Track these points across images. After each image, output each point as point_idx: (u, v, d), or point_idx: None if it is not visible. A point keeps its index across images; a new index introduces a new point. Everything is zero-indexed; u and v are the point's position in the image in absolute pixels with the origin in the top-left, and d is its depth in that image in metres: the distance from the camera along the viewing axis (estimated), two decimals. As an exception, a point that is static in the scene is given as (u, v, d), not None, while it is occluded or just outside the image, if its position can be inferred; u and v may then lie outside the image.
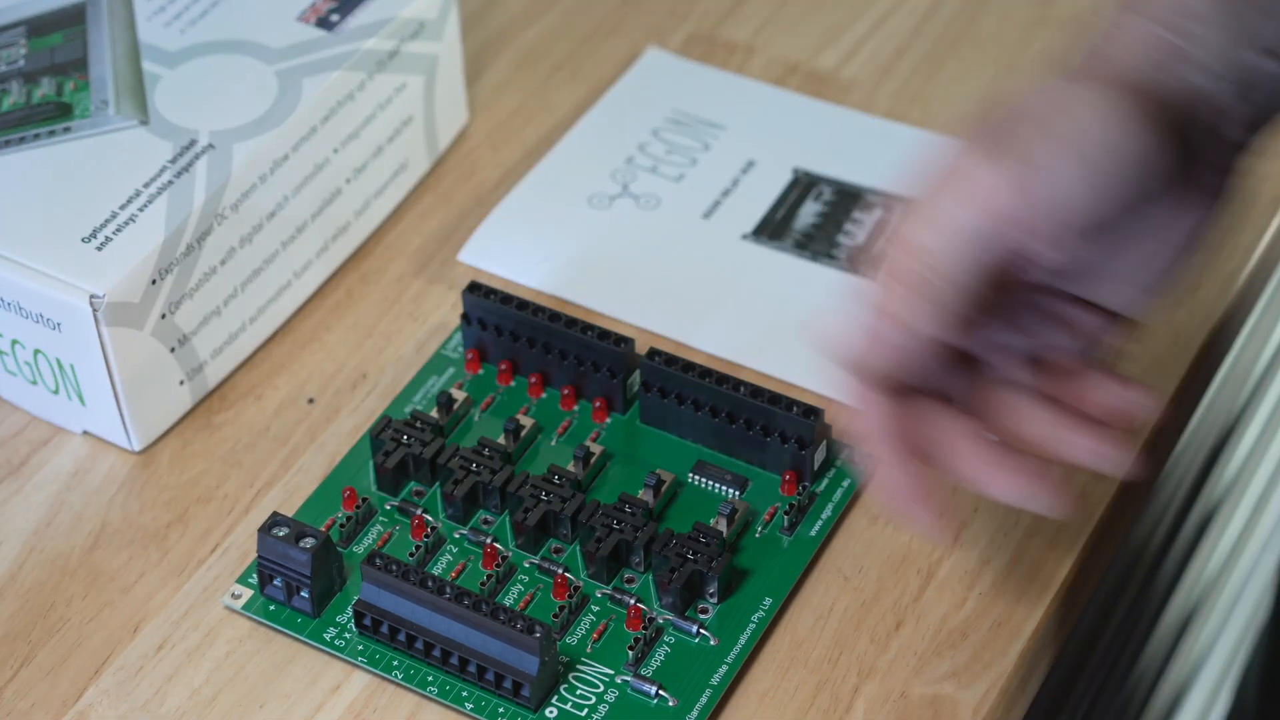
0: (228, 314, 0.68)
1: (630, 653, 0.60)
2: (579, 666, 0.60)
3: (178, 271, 0.66)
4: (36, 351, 0.66)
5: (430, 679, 0.59)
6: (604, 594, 0.62)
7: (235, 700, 0.60)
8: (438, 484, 0.65)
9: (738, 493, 0.64)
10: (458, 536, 0.63)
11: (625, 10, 0.84)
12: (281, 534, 0.61)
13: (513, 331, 0.67)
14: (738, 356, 0.69)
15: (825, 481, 0.65)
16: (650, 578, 0.62)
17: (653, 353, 0.66)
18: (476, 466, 0.64)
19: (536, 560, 0.62)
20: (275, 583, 0.61)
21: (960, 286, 0.52)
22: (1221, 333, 0.71)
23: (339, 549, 0.62)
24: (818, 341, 0.54)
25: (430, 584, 0.59)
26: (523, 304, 0.67)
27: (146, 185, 0.66)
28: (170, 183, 0.66)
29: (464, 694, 0.59)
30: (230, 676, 0.61)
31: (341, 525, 0.63)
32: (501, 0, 0.84)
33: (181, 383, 0.68)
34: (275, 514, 0.61)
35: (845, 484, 0.65)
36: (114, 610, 0.63)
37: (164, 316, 0.66)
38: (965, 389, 0.56)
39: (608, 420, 0.67)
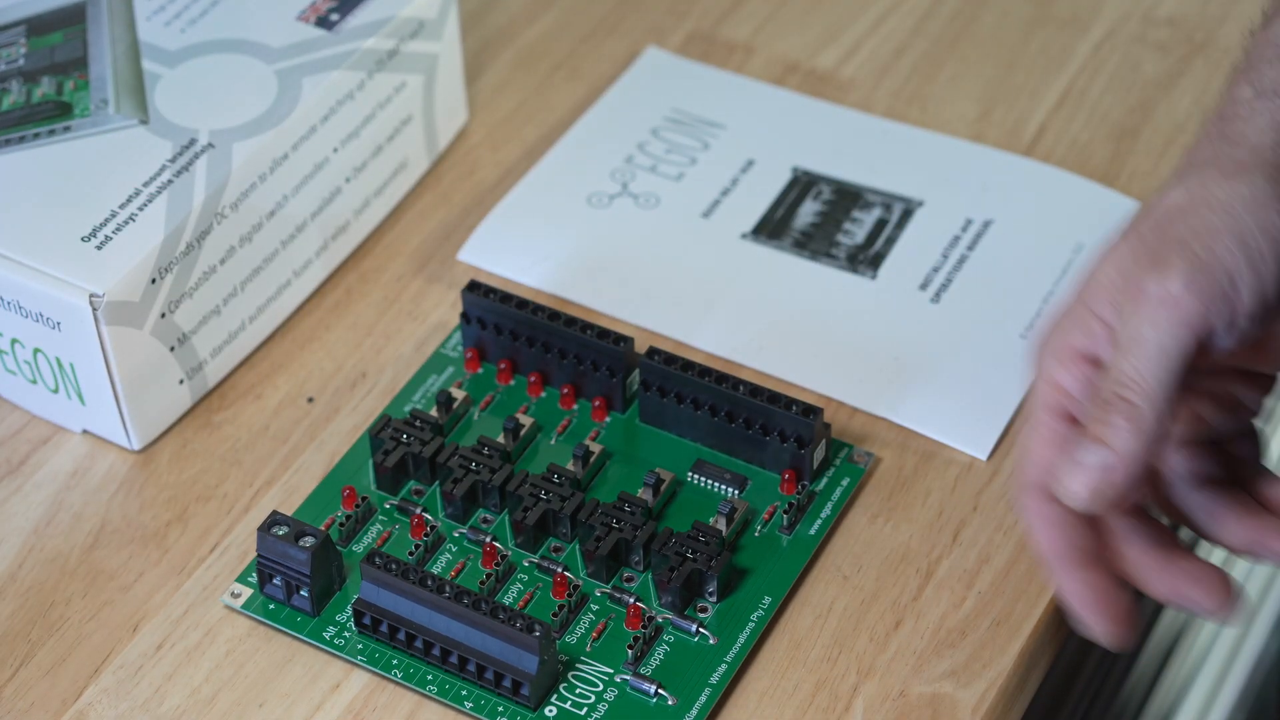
0: (227, 313, 0.68)
1: (630, 651, 0.60)
2: (578, 665, 0.60)
3: (177, 270, 0.66)
4: (36, 350, 0.66)
5: (430, 678, 0.59)
6: (603, 593, 0.62)
7: (235, 699, 0.60)
8: (437, 483, 0.65)
9: (737, 492, 0.64)
10: (457, 535, 0.63)
11: (624, 9, 0.84)
12: (281, 533, 0.61)
13: (512, 330, 0.67)
14: (737, 355, 0.69)
15: (824, 480, 0.65)
16: (649, 577, 0.62)
17: (652, 352, 0.66)
18: (476, 465, 0.64)
19: (536, 559, 0.62)
20: (275, 581, 0.61)
21: (1170, 406, 0.53)
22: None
23: (338, 548, 0.62)
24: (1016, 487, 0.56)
25: (430, 583, 0.59)
26: (522, 303, 0.67)
27: (146, 184, 0.66)
28: (170, 182, 0.66)
29: (463, 693, 0.59)
30: (230, 675, 0.61)
31: (341, 524, 0.63)
32: (501, 0, 0.84)
33: (181, 382, 0.68)
34: (275, 513, 0.61)
35: (844, 483, 0.65)
36: (113, 609, 0.63)
37: (164, 315, 0.66)
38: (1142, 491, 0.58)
39: (607, 419, 0.67)
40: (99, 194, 0.66)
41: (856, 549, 0.63)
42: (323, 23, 0.72)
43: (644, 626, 0.60)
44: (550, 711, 0.59)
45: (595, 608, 0.61)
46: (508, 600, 0.61)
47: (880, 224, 0.74)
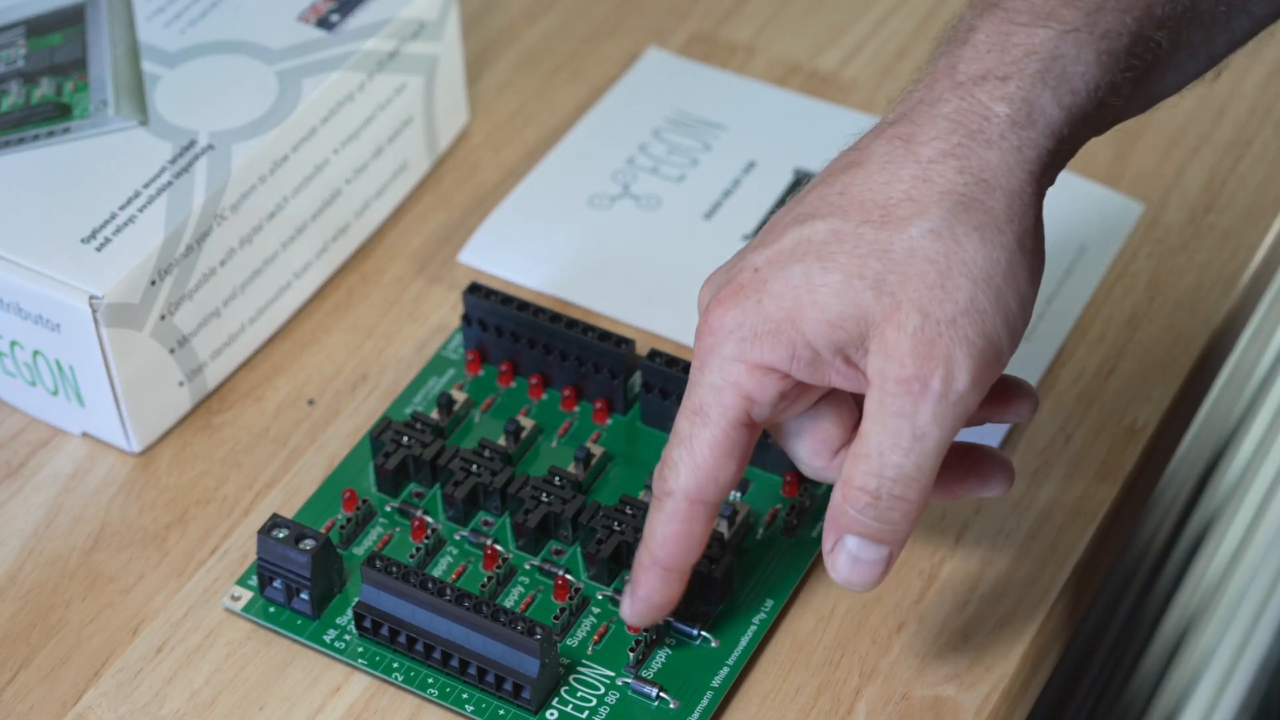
0: (227, 315, 0.68)
1: (631, 654, 0.60)
2: (580, 668, 0.60)
3: (177, 272, 0.65)
4: (36, 353, 0.66)
5: (430, 681, 0.59)
6: (605, 595, 0.62)
7: (235, 702, 0.60)
8: (438, 485, 0.64)
9: (739, 494, 0.64)
10: (458, 538, 0.63)
11: (626, 10, 0.84)
12: (281, 535, 0.60)
13: (513, 332, 0.67)
14: (739, 358, 0.69)
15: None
16: (651, 579, 0.62)
17: (653, 354, 0.65)
18: (477, 468, 0.63)
19: (537, 562, 0.62)
20: (275, 584, 0.61)
21: (932, 480, 0.53)
22: (1223, 336, 0.71)
23: (339, 551, 0.62)
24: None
25: (430, 586, 0.59)
26: (523, 305, 0.67)
27: (146, 186, 0.66)
28: (170, 183, 0.66)
29: (464, 696, 0.59)
30: (230, 678, 0.60)
31: (341, 527, 0.63)
32: (502, 0, 0.84)
33: (181, 384, 0.67)
34: (275, 516, 0.61)
35: (847, 485, 0.64)
36: (113, 612, 0.62)
37: (163, 317, 0.65)
38: None
39: (608, 421, 0.67)
40: (98, 195, 0.66)
41: (859, 552, 0.63)
42: (323, 24, 0.72)
43: (646, 629, 0.60)
44: (551, 715, 0.58)
45: (597, 610, 0.61)
46: (509, 603, 0.61)
47: (882, 225, 0.73)
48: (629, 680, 0.59)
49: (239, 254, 0.68)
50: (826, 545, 0.55)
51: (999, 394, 0.57)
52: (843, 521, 0.54)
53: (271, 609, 0.62)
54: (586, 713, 0.59)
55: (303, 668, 0.61)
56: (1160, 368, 0.68)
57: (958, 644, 0.61)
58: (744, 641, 0.60)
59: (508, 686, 0.58)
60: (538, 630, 0.57)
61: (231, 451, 0.67)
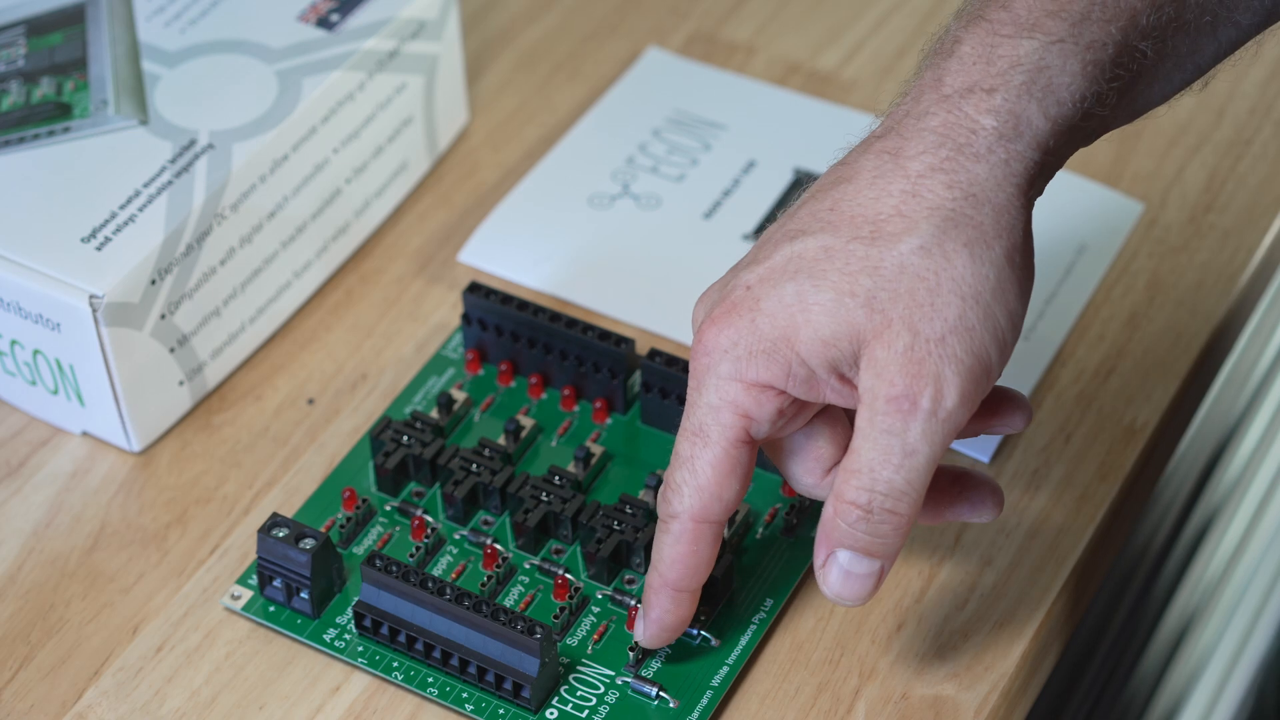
0: (227, 314, 0.68)
1: (631, 654, 0.60)
2: (579, 668, 0.60)
3: (177, 272, 0.65)
4: (36, 352, 0.66)
5: (430, 680, 0.59)
6: (605, 595, 0.62)
7: (235, 701, 0.60)
8: (438, 485, 0.64)
9: (739, 494, 0.64)
10: (458, 537, 0.63)
11: (626, 10, 0.84)
12: (281, 535, 0.60)
13: (513, 332, 0.67)
14: (739, 357, 0.69)
15: (826, 482, 0.65)
16: (651, 579, 0.62)
17: (653, 353, 0.65)
18: (477, 467, 0.63)
19: (537, 561, 0.62)
20: (275, 584, 0.61)
21: (923, 495, 0.54)
22: (1223, 334, 0.71)
23: (339, 550, 0.62)
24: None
25: (430, 585, 0.59)
26: (523, 304, 0.67)
27: (146, 185, 0.66)
28: (170, 183, 0.66)
29: (464, 695, 0.59)
30: (230, 678, 0.60)
31: (341, 526, 0.63)
32: (502, 0, 0.84)
33: (181, 383, 0.67)
34: (275, 515, 0.61)
35: (846, 485, 0.64)
36: (113, 611, 0.62)
37: (163, 317, 0.65)
38: None
39: (608, 421, 0.67)
40: (99, 195, 0.66)
41: (858, 551, 0.63)
42: (323, 23, 0.72)
43: (645, 629, 0.60)
44: (551, 714, 0.58)
45: (596, 610, 0.61)
46: (509, 602, 0.61)
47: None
48: (629, 679, 0.59)
49: (239, 253, 0.68)
50: (818, 560, 0.55)
51: (991, 405, 0.57)
52: (834, 535, 0.54)
53: (271, 608, 0.62)
54: (586, 712, 0.59)
55: (303, 667, 0.61)
56: (1160, 367, 0.68)
57: (957, 643, 0.61)
58: (744, 641, 0.60)
59: (508, 686, 0.58)
60: (537, 629, 0.57)
61: (231, 451, 0.67)
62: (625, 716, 0.58)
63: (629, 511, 0.62)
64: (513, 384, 0.68)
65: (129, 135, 0.68)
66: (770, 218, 0.74)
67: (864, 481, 0.53)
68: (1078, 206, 0.73)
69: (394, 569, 0.59)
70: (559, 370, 0.67)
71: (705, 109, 0.78)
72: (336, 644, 0.61)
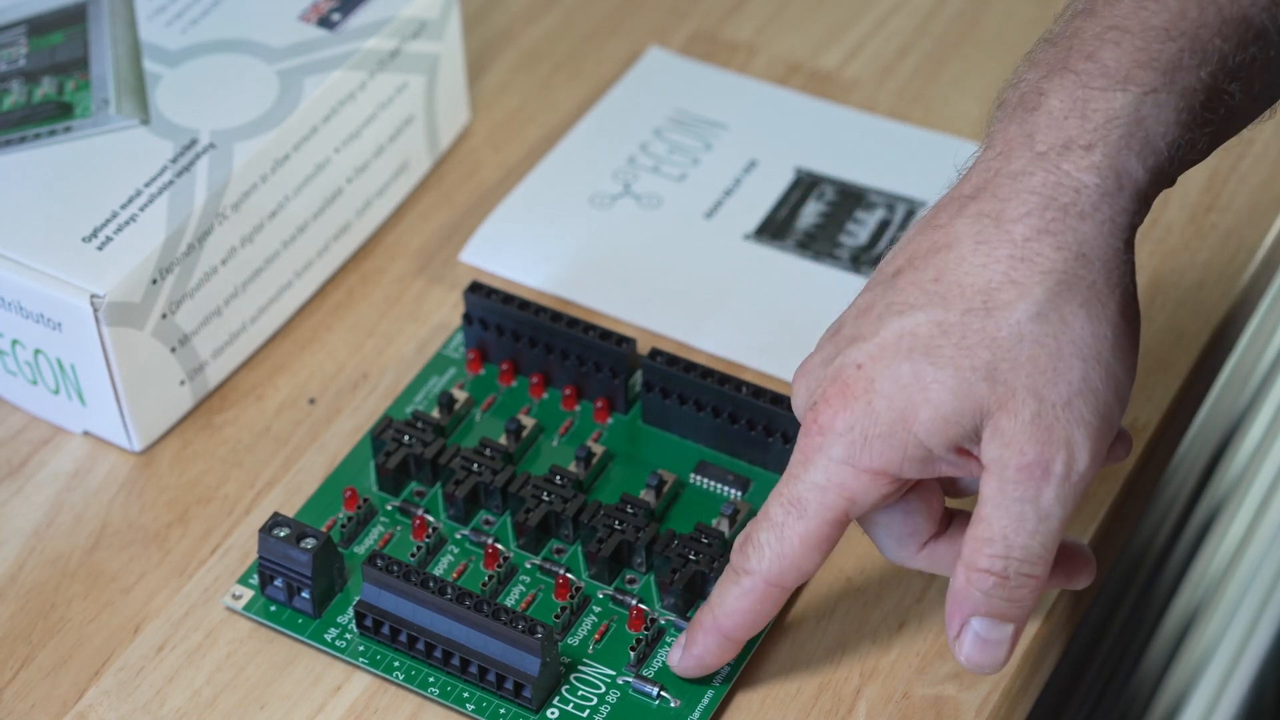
0: (228, 314, 0.68)
1: (632, 653, 0.60)
2: (580, 667, 0.60)
3: (178, 271, 0.65)
4: (37, 351, 0.66)
5: (431, 680, 0.59)
6: (606, 595, 0.62)
7: (236, 701, 0.60)
8: (439, 484, 0.64)
9: (740, 493, 0.64)
10: (459, 537, 0.63)
11: (627, 9, 0.84)
12: (282, 534, 0.61)
13: (514, 331, 0.67)
14: (740, 357, 0.69)
15: (827, 482, 0.64)
16: (652, 578, 0.62)
17: (654, 353, 0.65)
18: (478, 467, 0.63)
19: (538, 561, 0.62)
20: (276, 583, 0.61)
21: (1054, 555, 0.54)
22: (1225, 331, 0.71)
23: (340, 549, 0.62)
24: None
25: (431, 585, 0.59)
26: (524, 304, 0.67)
27: (147, 185, 0.66)
28: (171, 182, 0.66)
29: (465, 695, 0.59)
30: (231, 677, 0.60)
31: (342, 526, 0.63)
32: (502, 0, 0.84)
33: (182, 383, 0.67)
34: (276, 514, 0.61)
35: (847, 484, 0.64)
36: (114, 611, 0.62)
37: (165, 316, 0.66)
38: None
39: (609, 420, 0.67)
40: (100, 194, 0.66)
41: (860, 551, 0.63)
42: (324, 23, 0.72)
43: (646, 628, 0.60)
44: (552, 714, 0.58)
45: (597, 609, 0.61)
46: (510, 602, 0.61)
47: (883, 225, 0.73)
48: (630, 679, 0.59)
49: (240, 253, 0.68)
50: (952, 630, 0.55)
51: (1058, 561, 0.58)
52: (969, 604, 0.54)
53: (272, 608, 0.62)
54: (587, 712, 0.59)
55: (304, 667, 0.61)
56: (1161, 366, 0.68)
57: (958, 643, 0.61)
58: (745, 640, 0.60)
59: (509, 685, 0.58)
60: (539, 629, 0.57)
61: (232, 450, 0.67)
62: (626, 716, 0.58)
63: (630, 511, 0.62)
64: (514, 383, 0.68)
65: (130, 135, 0.68)
66: (771, 217, 0.74)
67: (999, 549, 0.53)
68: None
69: (395, 569, 0.59)
70: (560, 370, 0.67)
71: (706, 109, 0.78)
72: (337, 644, 0.61)
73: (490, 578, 0.61)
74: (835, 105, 0.79)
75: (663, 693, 0.59)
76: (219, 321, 0.68)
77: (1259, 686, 0.96)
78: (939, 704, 0.59)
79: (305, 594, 0.61)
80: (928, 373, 0.52)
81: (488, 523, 0.64)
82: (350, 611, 0.61)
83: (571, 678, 0.59)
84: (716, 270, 0.72)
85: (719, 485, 0.64)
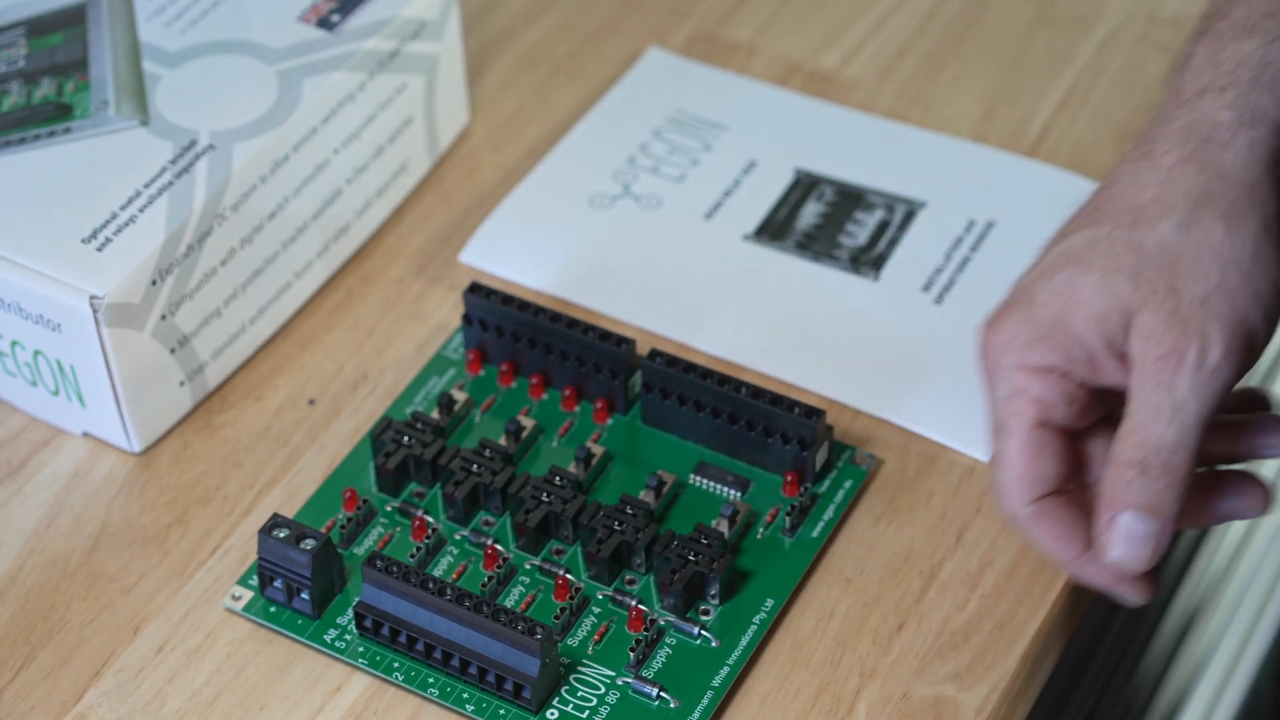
0: (228, 315, 0.68)
1: (631, 654, 0.60)
2: (580, 668, 0.60)
3: (178, 272, 0.65)
4: (36, 352, 0.66)
5: (431, 681, 0.59)
6: (605, 595, 0.62)
7: (235, 702, 0.60)
8: (439, 485, 0.64)
9: (739, 494, 0.64)
10: (459, 538, 0.63)
11: (626, 10, 0.84)
12: (282, 535, 0.61)
13: (514, 332, 0.67)
14: (739, 357, 0.69)
15: (827, 483, 0.65)
16: (651, 579, 0.62)
17: (654, 354, 0.65)
18: (477, 468, 0.63)
19: (538, 561, 0.62)
20: (276, 584, 0.61)
21: (1196, 451, 0.56)
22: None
23: (339, 550, 0.62)
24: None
25: (431, 585, 0.59)
26: (524, 305, 0.67)
27: (147, 186, 0.66)
28: (170, 183, 0.66)
29: (465, 696, 0.59)
30: (230, 678, 0.60)
31: (342, 526, 0.63)
32: (502, 0, 0.84)
33: (182, 384, 0.67)
34: (276, 515, 0.61)
35: (847, 485, 0.65)
36: (114, 612, 0.62)
37: (164, 317, 0.66)
38: None
39: (609, 421, 0.67)
40: (99, 195, 0.66)
41: (859, 551, 0.63)
42: (323, 24, 0.72)
43: (646, 629, 0.60)
44: (552, 714, 0.58)
45: (597, 610, 0.61)
46: (509, 603, 0.61)
47: (883, 225, 0.73)
48: (629, 680, 0.59)
49: (240, 254, 0.68)
50: (1100, 526, 0.57)
51: (1226, 484, 0.59)
52: (1114, 498, 0.56)
53: (272, 609, 0.62)
54: (587, 712, 0.59)
55: (303, 667, 0.61)
56: (1161, 367, 0.68)
57: (958, 643, 0.61)
58: (744, 641, 0.60)
59: (508, 686, 0.58)
60: (538, 630, 0.57)
61: (232, 451, 0.67)
62: (626, 717, 0.58)
63: (630, 512, 0.62)
64: (513, 384, 0.68)
65: (130, 136, 0.68)
66: (771, 218, 0.74)
67: (1138, 440, 0.55)
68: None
69: (395, 569, 0.59)
70: (560, 370, 0.67)
71: (706, 109, 0.78)
72: (337, 644, 0.61)
73: (490, 578, 0.61)
74: (835, 106, 0.79)
75: (662, 693, 0.59)
76: (218, 322, 0.68)
77: (1258, 686, 0.96)
78: (938, 704, 0.59)
79: (305, 595, 0.61)
80: (1079, 278, 0.57)
81: (487, 523, 0.64)
82: (350, 612, 0.61)
83: (571, 678, 0.59)
84: (716, 271, 0.72)
85: (718, 486, 0.64)
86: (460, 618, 0.58)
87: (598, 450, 0.65)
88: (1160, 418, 0.55)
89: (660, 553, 0.61)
